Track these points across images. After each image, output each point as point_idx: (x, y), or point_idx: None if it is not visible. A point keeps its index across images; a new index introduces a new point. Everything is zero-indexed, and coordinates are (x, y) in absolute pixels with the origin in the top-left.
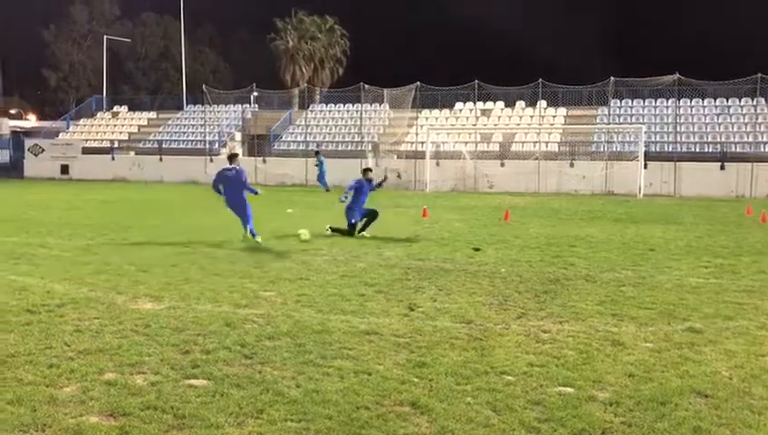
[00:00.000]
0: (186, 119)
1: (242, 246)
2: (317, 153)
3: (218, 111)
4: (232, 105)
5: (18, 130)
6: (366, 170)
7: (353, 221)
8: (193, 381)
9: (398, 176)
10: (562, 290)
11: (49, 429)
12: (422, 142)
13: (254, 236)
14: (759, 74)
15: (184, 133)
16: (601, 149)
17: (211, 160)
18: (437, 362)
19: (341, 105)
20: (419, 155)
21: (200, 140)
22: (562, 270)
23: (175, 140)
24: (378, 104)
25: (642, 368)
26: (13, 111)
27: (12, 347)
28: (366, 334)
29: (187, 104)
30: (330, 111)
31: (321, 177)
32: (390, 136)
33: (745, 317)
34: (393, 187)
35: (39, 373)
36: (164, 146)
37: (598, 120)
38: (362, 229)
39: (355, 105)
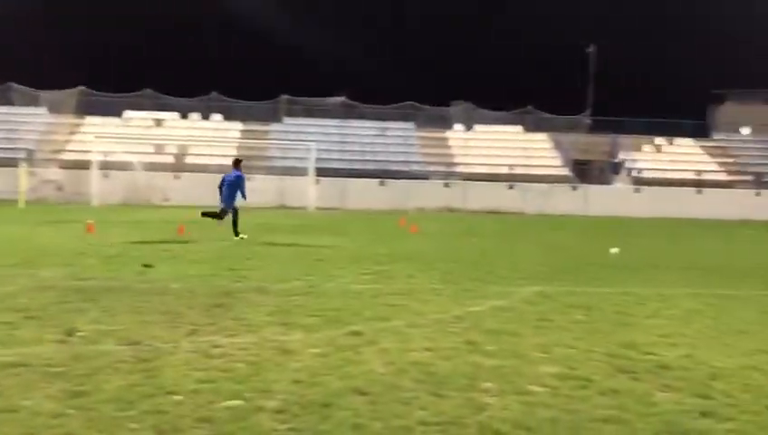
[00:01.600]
0: None
1: None
2: None
3: None
4: None
5: None
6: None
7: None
8: None
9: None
10: (235, 303)
11: None
12: (87, 151)
13: None
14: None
15: None
16: (276, 164)
17: None
18: (98, 390)
19: None
20: (84, 165)
21: None
22: (236, 283)
23: None
24: (33, 107)
25: (308, 373)
26: None
27: None
28: (12, 367)
29: None
30: None
31: None
32: (49, 143)
33: (398, 317)
34: (54, 200)
35: None
36: None
37: (271, 136)
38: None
39: (5, 107)
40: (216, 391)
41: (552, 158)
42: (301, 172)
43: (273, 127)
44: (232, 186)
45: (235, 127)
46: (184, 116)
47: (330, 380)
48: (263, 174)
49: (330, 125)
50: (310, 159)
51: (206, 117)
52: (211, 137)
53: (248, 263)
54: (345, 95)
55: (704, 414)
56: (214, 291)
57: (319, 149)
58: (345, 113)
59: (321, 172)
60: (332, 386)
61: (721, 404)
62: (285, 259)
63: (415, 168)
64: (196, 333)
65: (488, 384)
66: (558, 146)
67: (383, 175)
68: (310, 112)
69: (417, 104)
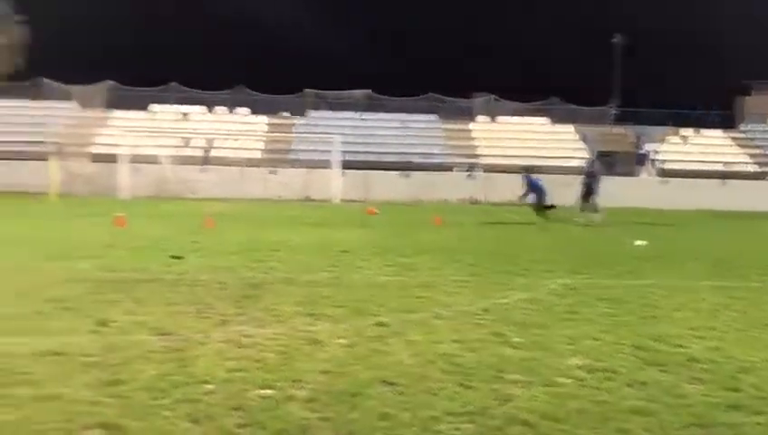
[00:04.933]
0: None
1: None
2: None
3: None
4: None
5: None
6: None
7: None
8: None
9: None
10: (264, 294)
11: None
12: (116, 145)
13: None
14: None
15: None
16: (301, 158)
17: None
18: (132, 379)
19: (17, 100)
20: (112, 158)
21: None
22: (263, 274)
23: None
24: (64, 102)
25: (336, 363)
26: None
27: None
28: (50, 356)
29: None
30: (3, 107)
31: None
32: (79, 137)
33: (424, 309)
34: (84, 193)
35: None
36: None
37: (296, 130)
38: None
39: (36, 102)
40: (247, 381)
41: (579, 150)
42: (325, 165)
43: (299, 120)
44: None
45: (262, 120)
46: (210, 110)
47: (357, 370)
48: (288, 167)
49: (353, 118)
50: (334, 152)
51: (232, 110)
52: (237, 130)
53: (275, 255)
54: (369, 88)
55: (733, 407)
56: (242, 282)
57: (343, 142)
58: (369, 106)
59: (346, 165)
60: (360, 376)
61: (750, 397)
62: (311, 251)
63: (438, 160)
64: (226, 323)
65: (515, 376)
66: (583, 138)
67: (406, 167)
68: (334, 106)
69: (441, 96)
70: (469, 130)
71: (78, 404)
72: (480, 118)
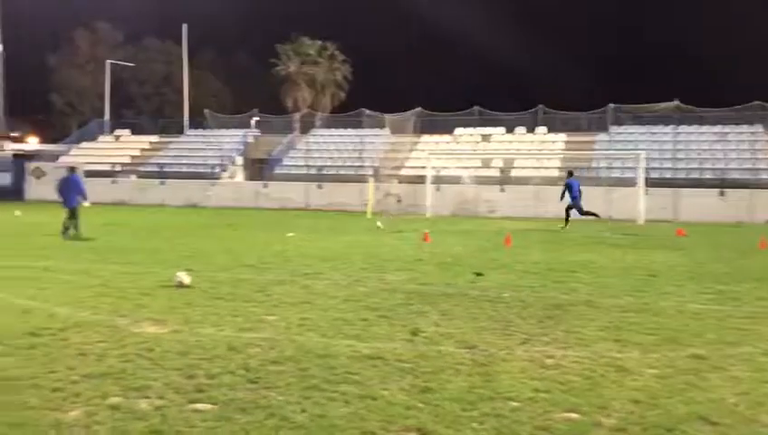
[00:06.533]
0: (187, 142)
1: (244, 270)
2: None
3: (220, 135)
4: (233, 129)
5: (20, 153)
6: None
7: None
8: (198, 406)
9: (398, 201)
10: (565, 316)
11: None
12: (423, 167)
13: None
14: (757, 102)
15: (185, 157)
16: (601, 175)
17: (212, 184)
18: (442, 388)
19: (342, 130)
20: (420, 180)
21: (201, 164)
22: (565, 295)
23: (176, 164)
24: (379, 129)
25: (647, 394)
26: (15, 135)
27: (16, 370)
28: (370, 359)
29: (188, 128)
30: (330, 136)
31: None
32: (391, 161)
33: (749, 344)
34: (394, 211)
35: (43, 397)
36: (165, 169)
37: (597, 146)
38: None
39: (356, 130)
40: (552, 402)
41: None
42: (628, 183)
43: (599, 137)
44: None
45: (560, 138)
46: (509, 130)
47: (672, 403)
48: (588, 185)
49: (660, 132)
50: (639, 168)
51: (530, 130)
52: (536, 149)
53: (576, 276)
54: (678, 99)
55: None
56: (544, 302)
57: (648, 158)
58: (678, 119)
59: (651, 182)
60: (676, 411)
61: None
62: (614, 273)
63: (763, 176)
64: (528, 342)
65: None
66: None
67: (723, 184)
68: (638, 120)
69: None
70: None
71: (395, 406)
72: None
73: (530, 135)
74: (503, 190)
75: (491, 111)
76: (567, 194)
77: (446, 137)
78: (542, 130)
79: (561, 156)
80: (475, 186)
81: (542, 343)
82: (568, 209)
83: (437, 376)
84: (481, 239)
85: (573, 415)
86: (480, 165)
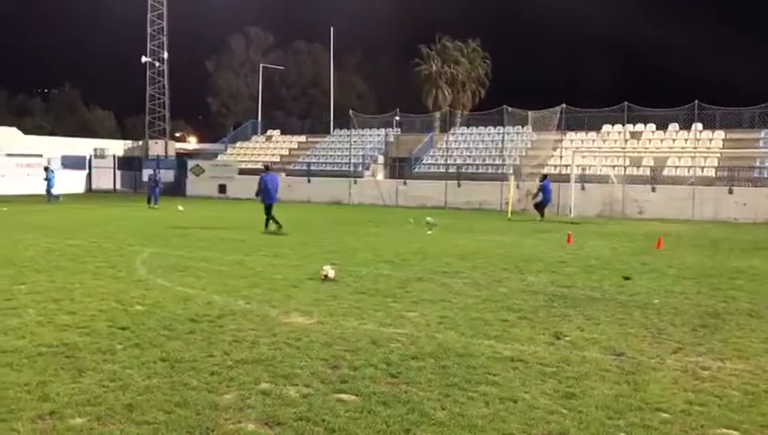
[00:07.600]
0: (332, 142)
1: (384, 266)
2: (46, 169)
3: (363, 135)
4: (376, 129)
5: (182, 151)
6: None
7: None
8: (342, 396)
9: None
10: (723, 325)
11: (212, 432)
12: (566, 165)
13: None
14: None
15: (330, 156)
16: (765, 175)
17: (355, 182)
18: (587, 394)
19: (483, 128)
20: (563, 179)
21: (345, 163)
22: (722, 304)
23: (322, 163)
24: (520, 127)
25: None
26: (177, 135)
27: (178, 353)
28: (510, 361)
29: (333, 128)
30: (471, 134)
31: (48, 189)
32: (532, 159)
33: None
34: (534, 212)
35: (202, 379)
36: (312, 168)
37: (761, 144)
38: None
39: (497, 128)
40: (707, 416)
41: None
42: None
43: (763, 134)
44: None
45: (717, 136)
46: (660, 127)
47: None
48: (748, 187)
49: None
50: None
51: (685, 127)
52: (690, 148)
53: (735, 283)
54: None
55: None
56: (698, 310)
57: None
58: None
59: None
60: None
61: None
62: None
63: None
64: (681, 351)
65: None
66: None
67: None
68: None
69: None
70: None
71: (537, 410)
72: None
73: (684, 132)
74: (654, 190)
75: (641, 106)
76: (541, 194)
77: (592, 134)
78: (697, 126)
79: (719, 155)
80: (623, 185)
81: (695, 353)
82: (536, 206)
83: (581, 382)
84: (629, 241)
85: (733, 432)
86: (629, 164)
